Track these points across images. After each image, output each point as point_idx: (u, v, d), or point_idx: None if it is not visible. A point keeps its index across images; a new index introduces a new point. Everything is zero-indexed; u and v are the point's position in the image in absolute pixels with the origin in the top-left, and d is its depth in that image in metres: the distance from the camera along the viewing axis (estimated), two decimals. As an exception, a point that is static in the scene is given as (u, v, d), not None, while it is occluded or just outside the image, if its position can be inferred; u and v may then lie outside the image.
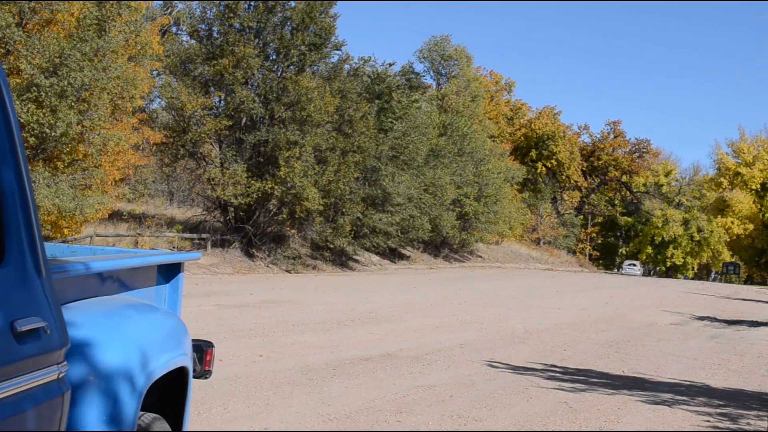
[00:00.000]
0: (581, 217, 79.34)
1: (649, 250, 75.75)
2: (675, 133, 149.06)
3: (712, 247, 73.42)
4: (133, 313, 3.43)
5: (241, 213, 30.86)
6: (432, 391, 8.90)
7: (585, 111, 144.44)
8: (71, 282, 3.19)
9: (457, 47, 60.35)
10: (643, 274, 73.57)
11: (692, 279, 74.19)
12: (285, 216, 30.12)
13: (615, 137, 79.89)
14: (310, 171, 29.08)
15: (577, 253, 77.45)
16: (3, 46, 19.14)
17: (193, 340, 4.11)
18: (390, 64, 38.72)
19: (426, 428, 7.20)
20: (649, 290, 37.98)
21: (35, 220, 2.60)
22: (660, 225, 73.99)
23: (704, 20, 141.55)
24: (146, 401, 3.44)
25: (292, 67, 30.87)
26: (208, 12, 30.94)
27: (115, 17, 20.83)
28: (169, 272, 4.23)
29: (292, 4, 30.94)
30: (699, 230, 73.25)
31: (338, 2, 34.21)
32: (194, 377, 4.07)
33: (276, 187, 28.53)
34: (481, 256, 55.65)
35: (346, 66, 34.07)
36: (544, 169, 74.65)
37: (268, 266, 30.33)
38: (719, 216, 73.13)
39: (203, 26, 31.16)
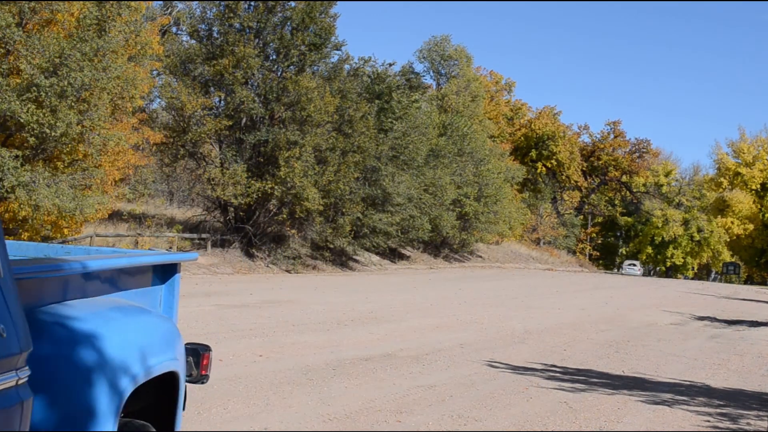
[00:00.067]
0: (581, 217, 79.33)
1: (649, 250, 75.76)
2: (675, 133, 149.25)
3: (712, 247, 73.42)
4: (117, 316, 3.31)
5: (241, 213, 30.86)
6: (432, 391, 8.90)
7: (585, 111, 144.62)
8: (47, 283, 3.06)
9: (457, 47, 60.35)
10: (643, 274, 73.57)
11: (692, 279, 74.20)
12: (285, 216, 30.12)
13: (615, 137, 79.90)
14: (310, 171, 29.08)
15: (577, 253, 77.45)
16: (3, 46, 19.13)
17: (189, 344, 4.02)
18: (390, 64, 38.77)
19: (426, 428, 7.20)
20: (649, 290, 37.97)
21: None
22: (660, 225, 74.00)
23: (704, 20, 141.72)
24: (134, 407, 3.37)
25: (292, 67, 30.87)
26: (208, 12, 30.96)
27: (115, 17, 20.81)
28: (165, 273, 4.13)
29: (292, 4, 30.94)
30: (699, 230, 73.26)
31: (338, 2, 34.23)
32: (190, 382, 3.97)
33: (276, 187, 28.53)
34: (481, 256, 55.64)
35: (346, 66, 34.08)
36: (544, 169, 74.64)
37: (268, 266, 30.33)
38: (719, 216, 73.13)
39: (203, 26, 31.17)
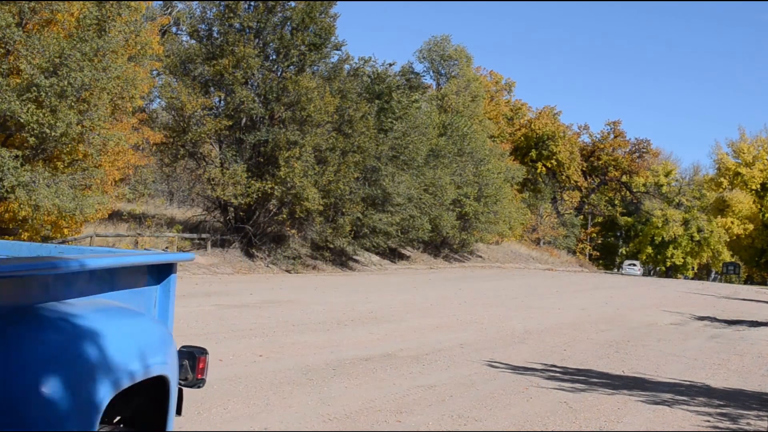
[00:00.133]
0: (581, 217, 79.34)
1: (649, 250, 75.76)
2: (675, 133, 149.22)
3: (712, 247, 73.43)
4: (100, 317, 3.14)
5: (241, 213, 30.86)
6: (432, 391, 8.90)
7: (585, 111, 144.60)
8: (24, 283, 2.92)
9: (456, 47, 60.37)
10: (643, 274, 73.57)
11: (692, 279, 74.20)
12: (285, 216, 30.12)
13: (615, 137, 79.92)
14: (310, 171, 29.08)
15: (577, 253, 77.45)
16: (3, 46, 19.13)
17: (185, 347, 3.95)
18: (390, 64, 38.77)
19: (426, 428, 7.20)
20: (649, 290, 37.97)
21: None
22: (660, 225, 74.01)
23: (704, 20, 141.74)
24: (124, 413, 3.30)
25: (292, 67, 30.86)
26: (208, 12, 30.95)
27: (115, 17, 20.81)
28: (160, 273, 4.02)
29: (292, 4, 30.94)
30: (699, 230, 73.27)
31: (338, 2, 34.24)
32: (186, 386, 3.90)
33: (276, 187, 28.53)
34: (481, 256, 55.64)
35: (346, 66, 34.07)
36: (544, 169, 74.65)
37: (268, 266, 30.33)
38: (719, 216, 73.15)
39: (203, 26, 31.16)
